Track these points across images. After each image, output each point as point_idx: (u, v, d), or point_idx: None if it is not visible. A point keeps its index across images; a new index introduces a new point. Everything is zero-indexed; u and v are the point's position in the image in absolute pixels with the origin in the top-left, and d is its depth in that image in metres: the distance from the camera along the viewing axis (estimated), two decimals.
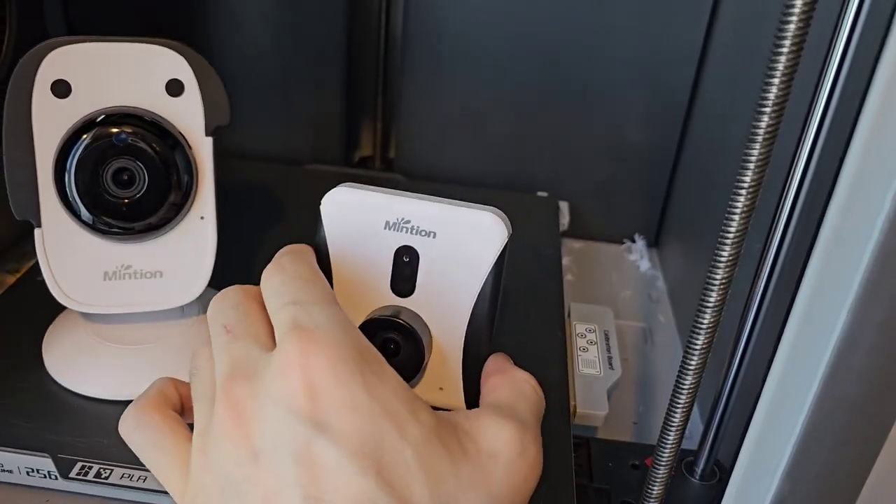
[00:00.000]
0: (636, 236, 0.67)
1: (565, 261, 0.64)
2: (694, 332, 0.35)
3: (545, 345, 0.48)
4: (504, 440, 0.31)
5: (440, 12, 0.61)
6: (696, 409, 0.50)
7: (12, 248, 0.59)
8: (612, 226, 0.67)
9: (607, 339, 0.49)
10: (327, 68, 0.64)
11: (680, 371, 0.36)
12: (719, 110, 0.57)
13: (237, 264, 0.52)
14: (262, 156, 0.67)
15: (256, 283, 0.50)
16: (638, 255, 0.66)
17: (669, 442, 0.38)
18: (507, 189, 0.65)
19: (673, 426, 0.37)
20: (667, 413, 0.37)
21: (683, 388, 0.36)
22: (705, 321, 0.34)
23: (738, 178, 0.32)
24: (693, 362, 0.35)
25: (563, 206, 0.64)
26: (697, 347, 0.35)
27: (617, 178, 0.65)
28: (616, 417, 0.49)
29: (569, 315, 0.52)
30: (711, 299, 0.34)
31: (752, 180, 0.31)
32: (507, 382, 0.36)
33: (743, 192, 0.32)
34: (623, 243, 0.67)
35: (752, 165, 0.31)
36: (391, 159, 0.71)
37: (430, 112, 0.64)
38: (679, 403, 0.37)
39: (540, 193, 0.65)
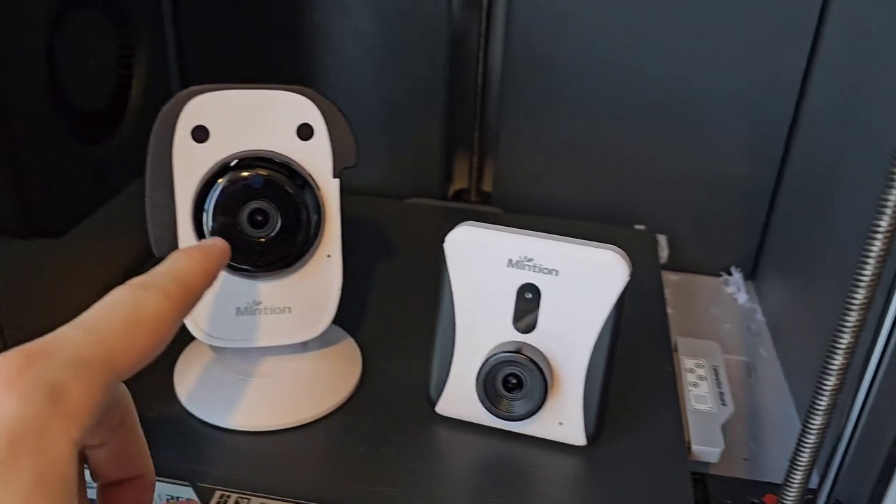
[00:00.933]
0: (732, 268, 0.66)
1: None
2: (824, 373, 0.35)
3: (655, 380, 0.48)
4: None
5: (541, 47, 0.62)
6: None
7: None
8: (709, 258, 0.67)
9: (717, 374, 0.49)
10: (428, 103, 0.66)
11: (808, 411, 0.36)
12: (824, 141, 0.56)
13: (350, 297, 0.54)
14: (364, 190, 0.69)
15: (365, 314, 0.52)
16: (735, 287, 0.65)
17: (797, 482, 0.38)
18: (605, 221, 0.66)
19: (801, 466, 0.37)
20: (794, 452, 0.37)
21: (812, 429, 0.36)
22: (836, 363, 0.34)
23: (874, 222, 0.32)
24: (823, 403, 0.35)
25: (662, 239, 0.64)
26: (828, 389, 0.35)
27: (714, 210, 0.65)
28: (727, 454, 0.48)
29: (676, 350, 0.52)
30: (843, 342, 0.34)
31: (889, 225, 0.32)
32: None
33: (879, 236, 0.32)
34: (720, 275, 0.67)
35: (889, 210, 0.31)
36: (486, 192, 0.72)
37: (529, 145, 0.65)
38: (807, 443, 0.37)
39: (637, 226, 0.65)
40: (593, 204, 0.66)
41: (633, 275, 0.40)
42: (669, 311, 0.62)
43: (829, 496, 0.43)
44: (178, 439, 0.42)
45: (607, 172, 0.65)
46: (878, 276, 0.33)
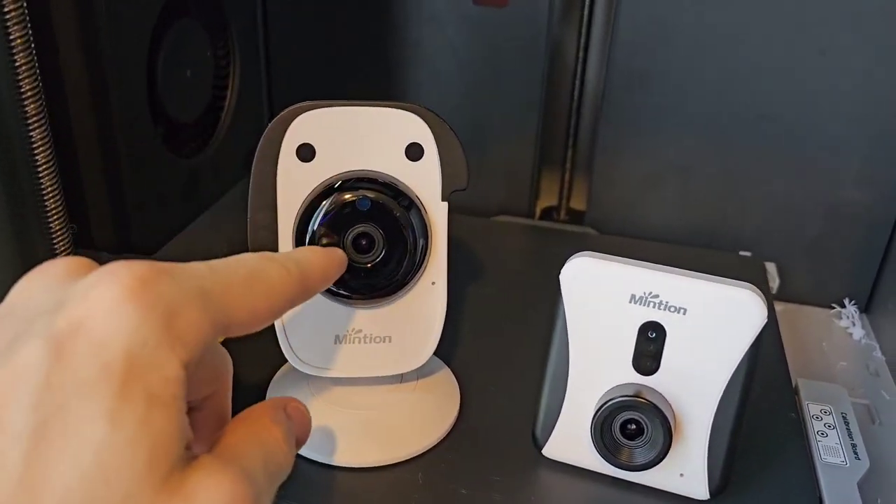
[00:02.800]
0: (846, 301, 0.62)
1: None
2: None
3: (779, 428, 0.44)
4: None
5: (644, 61, 0.59)
6: None
7: None
8: (820, 289, 0.62)
9: (846, 422, 0.45)
10: (522, 121, 0.63)
11: None
12: None
13: (446, 325, 0.51)
14: (452, 207, 0.66)
15: (459, 341, 0.49)
16: (849, 321, 0.61)
17: None
18: (708, 247, 0.62)
19: None
20: None
21: None
22: None
23: None
24: None
25: (771, 267, 0.60)
26: None
27: (827, 238, 0.61)
28: None
29: (797, 392, 0.48)
30: None
31: None
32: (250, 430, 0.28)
33: None
34: (832, 308, 0.62)
35: None
36: (576, 210, 0.69)
37: (628, 163, 0.62)
38: None
39: (743, 253, 0.61)
40: (694, 227, 0.63)
41: (770, 317, 0.37)
42: None
43: None
44: None
45: (710, 195, 0.62)
46: None
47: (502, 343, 0.49)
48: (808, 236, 0.61)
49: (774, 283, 0.59)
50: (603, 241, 0.63)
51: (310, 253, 0.32)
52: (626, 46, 0.59)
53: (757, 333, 0.37)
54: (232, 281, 0.25)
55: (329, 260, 0.33)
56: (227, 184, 0.40)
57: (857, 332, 0.60)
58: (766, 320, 0.36)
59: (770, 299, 0.56)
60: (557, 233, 0.64)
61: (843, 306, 0.62)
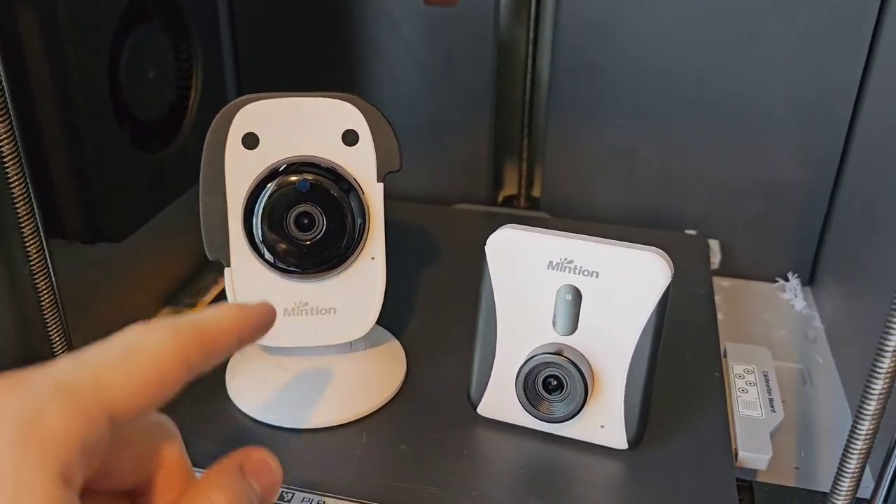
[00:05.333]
0: (789, 274, 0.65)
1: (716, 299, 0.63)
2: (872, 378, 0.34)
3: (703, 386, 0.47)
4: None
5: (589, 52, 0.62)
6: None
7: (189, 285, 0.64)
8: (764, 264, 0.66)
9: (767, 380, 0.49)
10: (476, 112, 0.66)
11: (856, 415, 0.35)
12: (881, 145, 0.55)
13: (397, 301, 0.55)
14: (412, 196, 0.70)
15: (412, 317, 0.53)
16: (792, 293, 0.64)
17: (844, 489, 0.37)
18: (656, 227, 0.65)
19: (848, 473, 0.36)
20: (841, 459, 0.36)
21: (860, 434, 0.35)
22: (884, 366, 0.34)
23: None
24: (871, 408, 0.34)
25: (714, 244, 0.63)
26: (876, 393, 0.34)
27: (769, 215, 0.64)
28: (776, 462, 0.47)
29: (725, 355, 0.51)
30: (891, 344, 0.33)
31: None
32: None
33: None
34: (776, 282, 0.66)
35: None
36: (535, 198, 0.73)
37: (577, 150, 0.66)
38: (855, 449, 0.36)
39: (689, 231, 0.64)
40: (643, 209, 0.66)
41: (675, 277, 0.40)
42: (721, 317, 0.61)
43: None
44: (225, 434, 0.44)
45: (658, 178, 0.65)
46: None
47: (452, 318, 0.53)
48: (749, 214, 0.64)
49: (716, 259, 0.62)
50: (556, 225, 0.66)
51: (216, 310, 0.28)
52: (570, 40, 0.62)
53: (662, 292, 0.40)
54: (104, 363, 0.23)
55: (243, 313, 0.28)
56: (193, 175, 0.43)
57: (799, 304, 0.63)
58: (670, 280, 0.40)
59: (709, 273, 0.59)
60: (513, 218, 0.67)
61: (787, 280, 0.65)
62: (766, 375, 0.49)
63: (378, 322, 0.50)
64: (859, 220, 0.57)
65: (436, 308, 0.55)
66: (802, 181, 0.62)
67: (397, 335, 0.51)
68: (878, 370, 0.34)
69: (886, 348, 0.33)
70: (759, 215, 0.64)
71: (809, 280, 0.66)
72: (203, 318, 0.27)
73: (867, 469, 0.47)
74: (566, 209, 0.67)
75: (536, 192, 0.73)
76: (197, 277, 0.65)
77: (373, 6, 0.64)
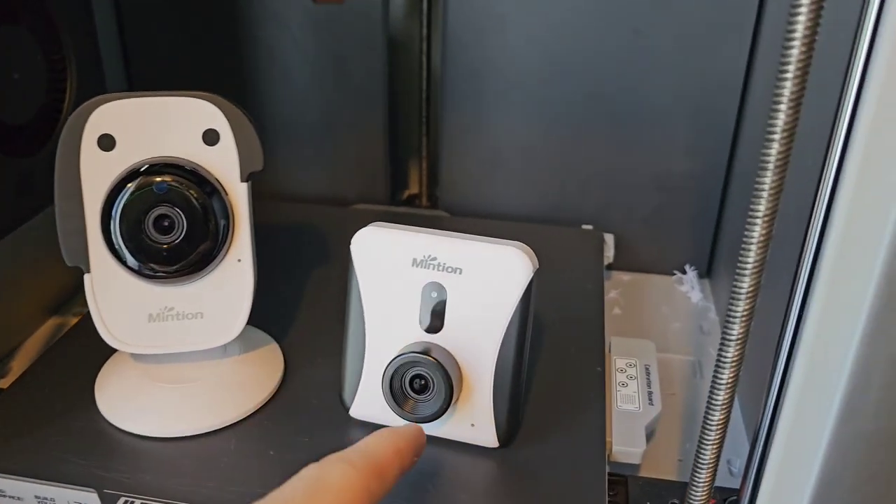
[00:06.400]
0: (687, 267, 0.65)
1: (613, 294, 0.64)
2: (719, 368, 0.34)
3: (583, 380, 0.47)
4: None
5: (478, 50, 0.62)
6: (746, 442, 0.48)
7: (78, 294, 0.62)
8: (662, 257, 0.66)
9: (648, 373, 0.49)
10: (369, 110, 0.66)
11: (707, 407, 0.35)
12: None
13: (284, 303, 0.54)
14: (310, 197, 0.69)
15: (296, 320, 0.52)
16: (689, 286, 0.64)
17: (701, 481, 0.37)
18: (553, 223, 0.65)
19: (704, 464, 0.36)
20: (697, 450, 0.36)
21: (712, 425, 0.35)
22: (729, 355, 0.34)
23: (752, 207, 0.31)
24: (720, 398, 0.35)
25: (609, 238, 0.63)
26: (723, 383, 0.34)
27: (665, 209, 0.64)
28: (661, 454, 0.48)
29: (609, 350, 0.51)
30: (734, 332, 0.33)
31: (767, 209, 0.31)
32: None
33: (758, 221, 0.31)
34: (674, 274, 0.66)
35: (764, 194, 0.31)
36: (438, 197, 0.72)
37: (473, 148, 0.65)
38: (708, 440, 0.36)
39: (585, 226, 0.64)
40: (542, 206, 0.66)
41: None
42: (617, 311, 0.62)
43: (751, 496, 0.41)
44: (90, 446, 0.42)
45: (554, 174, 0.65)
46: (761, 263, 0.32)
47: (337, 321, 0.51)
48: (646, 208, 0.64)
49: (610, 253, 0.62)
50: (453, 223, 0.66)
51: (376, 437, 0.31)
52: (461, 34, 0.62)
53: (525, 287, 0.39)
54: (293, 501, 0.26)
55: (398, 436, 0.32)
56: None
57: (696, 296, 0.63)
58: (533, 275, 0.39)
59: (600, 267, 0.59)
60: (411, 217, 0.67)
61: (685, 273, 0.65)
62: (647, 369, 0.49)
63: (261, 325, 0.49)
64: (748, 212, 0.58)
65: (322, 310, 0.54)
66: (695, 174, 0.63)
67: (281, 338, 0.50)
68: (724, 359, 0.34)
69: (730, 337, 0.33)
70: (656, 209, 0.64)
71: (707, 272, 0.66)
72: (367, 446, 0.30)
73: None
74: (465, 207, 0.67)
75: (439, 192, 0.72)
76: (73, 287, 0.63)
77: (259, 6, 0.63)
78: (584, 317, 0.53)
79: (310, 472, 0.28)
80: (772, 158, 0.29)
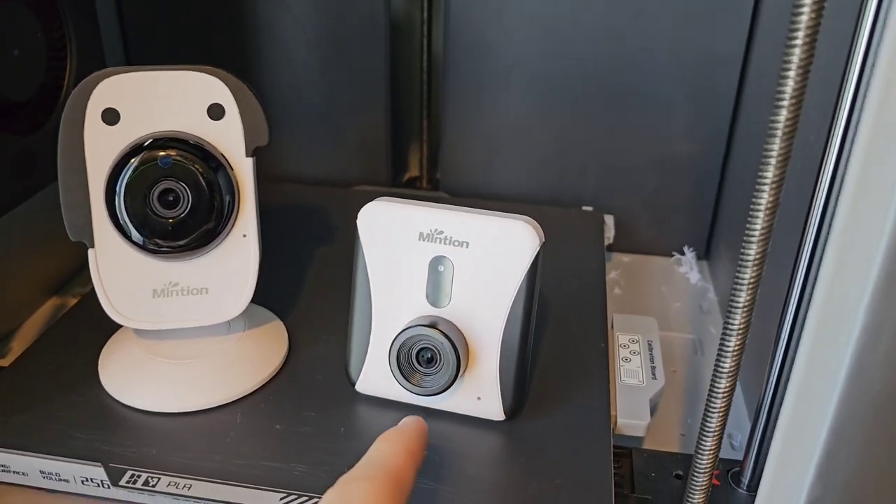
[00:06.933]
0: (685, 248, 0.66)
1: (613, 274, 0.64)
2: (726, 335, 0.34)
3: (587, 356, 0.47)
4: None
5: (479, 31, 0.62)
6: (746, 417, 0.49)
7: (78, 274, 0.62)
8: (661, 238, 0.66)
9: (651, 348, 0.49)
10: (371, 92, 0.66)
11: (714, 375, 0.35)
12: (765, 117, 0.56)
13: (287, 282, 0.54)
14: (313, 180, 0.69)
15: (301, 298, 0.52)
16: (688, 267, 0.65)
17: (707, 448, 0.37)
18: (553, 205, 0.65)
19: (709, 432, 0.37)
20: (703, 418, 0.36)
21: (718, 392, 0.36)
22: (736, 323, 0.34)
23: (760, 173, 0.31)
24: (726, 365, 0.35)
25: (609, 219, 0.63)
26: (729, 350, 0.34)
27: (664, 190, 0.65)
28: (664, 429, 0.48)
29: (612, 326, 0.52)
30: (740, 300, 0.33)
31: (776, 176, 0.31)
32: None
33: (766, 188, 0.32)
34: (672, 256, 0.66)
35: (773, 161, 0.31)
36: (438, 179, 0.72)
37: (474, 130, 0.65)
38: (714, 407, 0.36)
39: (585, 208, 0.65)
40: (542, 188, 0.66)
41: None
42: (618, 291, 0.62)
43: (754, 466, 0.42)
44: (95, 422, 0.42)
45: (554, 156, 0.65)
46: (769, 229, 0.32)
47: (342, 298, 0.51)
48: (645, 189, 0.65)
49: (610, 234, 0.62)
50: (450, 203, 0.66)
51: (383, 442, 0.32)
52: (462, 15, 0.62)
53: (532, 260, 0.40)
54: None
55: (405, 436, 0.33)
56: None
57: (694, 277, 0.64)
58: (539, 248, 0.40)
59: (601, 247, 0.59)
60: (412, 198, 0.67)
61: (684, 254, 0.66)
62: (650, 344, 0.49)
63: (265, 304, 0.49)
64: (749, 193, 0.58)
65: (327, 289, 0.54)
66: (694, 156, 0.63)
67: (284, 316, 0.50)
68: (731, 327, 0.34)
69: (736, 304, 0.34)
70: (655, 190, 0.65)
71: (706, 253, 0.66)
72: (380, 454, 0.31)
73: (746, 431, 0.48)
74: (466, 189, 0.67)
75: (440, 174, 0.72)
76: (87, 266, 0.63)
77: None
78: (586, 294, 0.53)
79: (330, 498, 0.28)
80: (773, 155, 0.29)
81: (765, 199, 0.31)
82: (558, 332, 0.49)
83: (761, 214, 0.32)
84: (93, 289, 0.54)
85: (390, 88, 0.66)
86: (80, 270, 0.62)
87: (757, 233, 0.32)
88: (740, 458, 0.43)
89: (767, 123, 0.30)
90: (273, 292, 0.49)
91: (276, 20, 0.64)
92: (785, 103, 0.29)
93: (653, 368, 0.47)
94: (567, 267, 0.56)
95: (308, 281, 0.55)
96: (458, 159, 0.67)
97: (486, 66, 0.63)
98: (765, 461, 0.42)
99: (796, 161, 0.31)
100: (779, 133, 0.30)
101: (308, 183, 0.69)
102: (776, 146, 0.30)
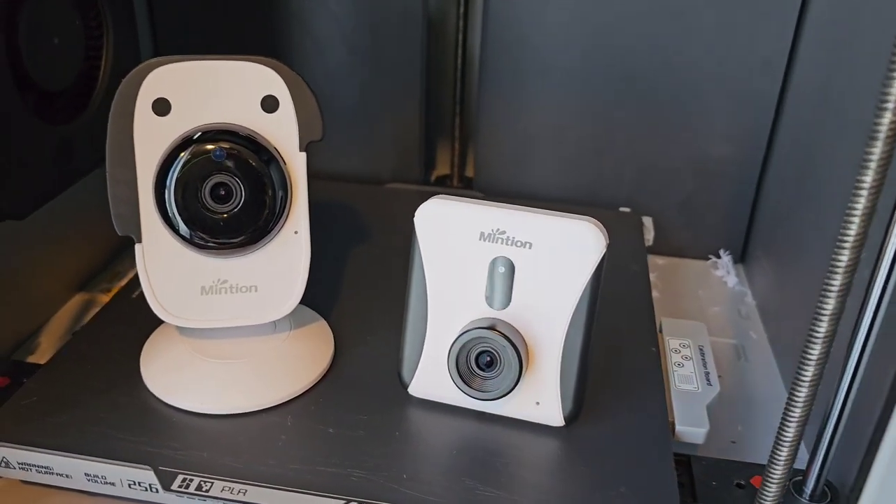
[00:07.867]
0: (721, 252, 0.65)
1: (650, 277, 0.63)
2: (809, 343, 0.33)
3: (639, 361, 0.46)
4: None
5: (519, 30, 0.61)
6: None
7: (105, 270, 0.60)
8: (697, 241, 0.65)
9: (703, 354, 0.48)
10: (406, 90, 0.64)
11: (794, 383, 0.34)
12: (808, 121, 0.55)
13: (326, 281, 0.52)
14: (344, 177, 0.68)
15: (341, 297, 0.51)
16: (724, 270, 0.64)
17: (782, 458, 0.36)
18: (587, 205, 0.64)
19: (786, 441, 0.36)
20: (780, 427, 0.35)
21: (798, 402, 0.35)
22: (822, 331, 0.33)
23: (858, 178, 0.30)
24: (808, 373, 0.34)
25: (647, 221, 0.62)
26: (813, 358, 0.33)
27: (701, 193, 0.64)
28: (714, 436, 0.47)
29: (661, 331, 0.51)
30: (828, 308, 0.32)
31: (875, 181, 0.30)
32: None
33: (863, 193, 0.31)
34: (708, 259, 0.65)
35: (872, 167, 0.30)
36: (468, 178, 0.71)
37: (509, 129, 0.64)
38: (793, 417, 0.35)
39: (622, 209, 0.64)
40: (577, 188, 0.65)
41: (611, 253, 0.39)
42: (656, 294, 0.61)
43: (818, 476, 0.41)
44: (141, 423, 0.41)
45: (591, 156, 0.64)
46: (862, 238, 0.31)
47: (383, 298, 0.50)
48: (682, 192, 0.64)
49: (650, 236, 0.61)
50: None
51: None
52: (501, 12, 0.60)
53: (598, 263, 0.39)
54: None
55: None
56: (104, 150, 0.40)
57: (731, 280, 0.63)
58: (605, 250, 0.39)
59: (643, 249, 0.58)
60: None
61: (720, 257, 0.65)
62: (701, 350, 0.48)
63: (306, 303, 0.48)
64: (788, 197, 0.57)
65: (366, 288, 0.52)
66: (733, 158, 0.62)
67: (326, 316, 0.48)
68: (817, 334, 0.33)
69: (823, 312, 0.33)
70: (692, 193, 0.64)
71: (742, 257, 0.66)
72: None
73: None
74: (500, 188, 0.66)
75: (469, 172, 0.71)
76: (114, 261, 0.62)
77: None
78: (633, 298, 0.52)
79: None
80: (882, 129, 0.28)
81: (861, 203, 0.30)
82: (608, 336, 0.48)
83: (857, 220, 0.30)
84: (125, 284, 0.53)
85: (426, 85, 0.64)
86: (107, 265, 0.61)
87: (850, 239, 0.31)
88: (800, 466, 0.42)
89: (871, 125, 0.29)
90: (311, 290, 0.48)
91: (311, 12, 0.62)
92: (891, 105, 0.28)
93: (706, 374, 0.46)
94: (609, 270, 0.55)
95: (345, 279, 0.53)
96: (492, 158, 0.66)
97: (523, 64, 0.62)
98: (829, 471, 0.41)
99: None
100: (881, 136, 0.29)
101: (338, 179, 0.68)
102: (877, 149, 0.29)
